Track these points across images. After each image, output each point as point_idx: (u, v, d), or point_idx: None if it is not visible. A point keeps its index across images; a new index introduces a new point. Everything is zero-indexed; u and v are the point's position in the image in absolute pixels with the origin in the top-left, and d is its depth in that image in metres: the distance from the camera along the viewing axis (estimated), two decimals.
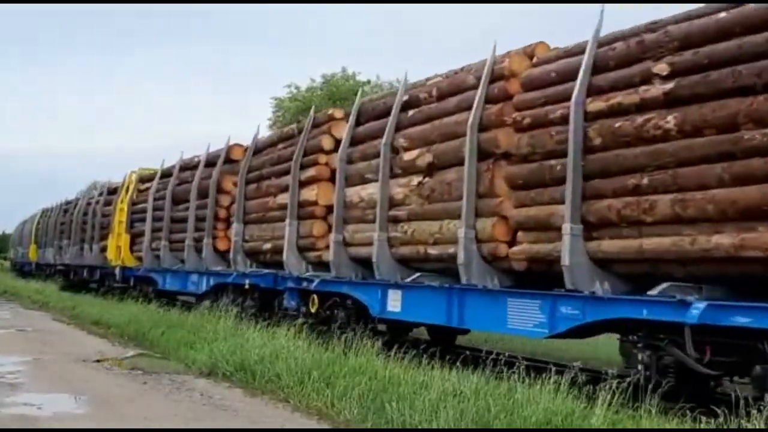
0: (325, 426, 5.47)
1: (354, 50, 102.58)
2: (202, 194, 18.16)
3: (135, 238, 22.44)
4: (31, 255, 39.78)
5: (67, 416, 7.48)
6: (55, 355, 11.71)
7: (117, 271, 23.07)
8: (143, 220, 21.66)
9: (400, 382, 7.80)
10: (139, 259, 21.91)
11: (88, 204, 28.45)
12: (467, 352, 9.80)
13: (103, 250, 25.00)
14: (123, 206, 23.02)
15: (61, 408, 7.80)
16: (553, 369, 7.65)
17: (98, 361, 11.20)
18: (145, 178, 22.97)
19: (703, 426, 6.09)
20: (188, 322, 13.99)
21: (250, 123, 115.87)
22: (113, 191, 25.83)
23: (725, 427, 5.82)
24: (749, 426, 5.41)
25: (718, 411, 5.99)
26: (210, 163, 18.49)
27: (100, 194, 27.79)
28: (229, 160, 17.73)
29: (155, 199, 21.12)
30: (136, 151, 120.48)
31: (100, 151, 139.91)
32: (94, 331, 15.55)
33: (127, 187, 23.37)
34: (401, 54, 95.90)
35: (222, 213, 17.48)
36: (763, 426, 5.38)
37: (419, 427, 6.40)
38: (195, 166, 19.38)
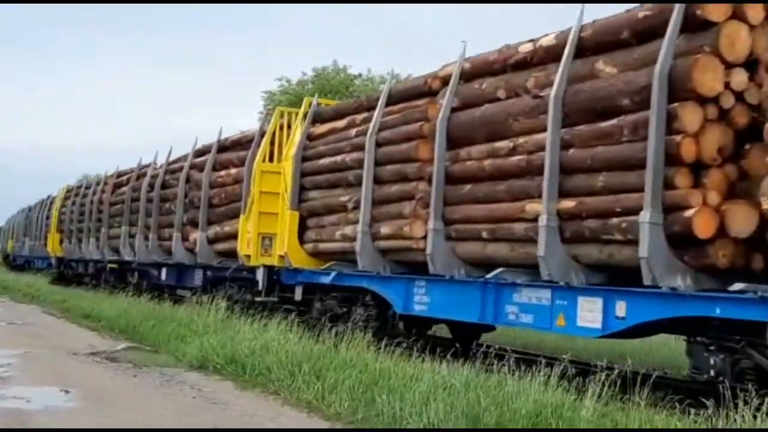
0: (324, 426, 5.29)
1: (345, 44, 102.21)
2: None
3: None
4: (51, 248, 40.83)
5: (57, 410, 7.45)
6: (45, 349, 11.66)
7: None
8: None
9: (390, 375, 7.79)
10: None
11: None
12: (457, 345, 9.78)
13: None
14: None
15: (51, 402, 7.77)
16: (543, 362, 7.66)
17: (89, 354, 11.17)
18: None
19: (691, 419, 6.09)
20: (179, 315, 13.96)
21: (240, 118, 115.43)
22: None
23: (712, 420, 5.81)
24: (737, 418, 5.42)
25: (707, 403, 6.00)
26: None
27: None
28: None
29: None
30: (120, 146, 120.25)
31: (88, 146, 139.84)
32: (86, 324, 15.52)
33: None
34: (391, 48, 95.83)
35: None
36: (750, 419, 5.38)
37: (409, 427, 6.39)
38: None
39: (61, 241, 29.72)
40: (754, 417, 5.32)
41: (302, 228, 13.11)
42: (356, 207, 11.60)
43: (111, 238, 23.49)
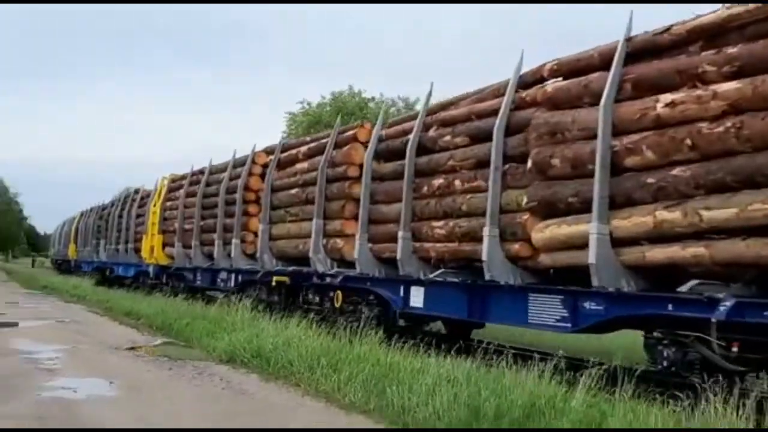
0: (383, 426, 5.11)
1: (360, 71, 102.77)
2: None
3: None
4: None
5: (100, 398, 7.52)
6: (90, 344, 11.74)
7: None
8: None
9: (399, 369, 7.82)
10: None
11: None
12: (461, 342, 9.79)
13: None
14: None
15: (94, 391, 7.83)
16: (537, 357, 7.67)
17: (129, 349, 11.24)
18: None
19: (668, 409, 6.07)
20: (210, 314, 14.02)
21: (263, 135, 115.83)
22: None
23: (687, 413, 5.79)
24: (711, 411, 5.41)
25: (682, 396, 5.99)
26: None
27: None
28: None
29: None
30: (160, 161, 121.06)
31: (128, 160, 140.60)
32: (126, 321, 15.59)
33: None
34: (401, 74, 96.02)
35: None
36: (721, 410, 5.37)
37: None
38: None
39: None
40: (724, 408, 5.31)
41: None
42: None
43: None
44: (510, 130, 9.12)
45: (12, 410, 6.74)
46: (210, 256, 17.91)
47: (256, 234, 15.41)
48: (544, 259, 8.46)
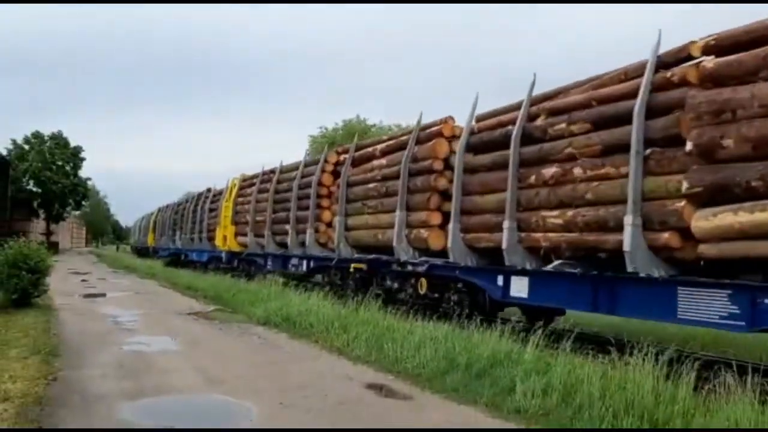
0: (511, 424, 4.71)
1: (365, 102, 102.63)
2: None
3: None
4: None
5: (167, 350, 7.50)
6: (159, 310, 11.71)
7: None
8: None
9: (394, 330, 7.79)
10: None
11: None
12: (441, 310, 9.73)
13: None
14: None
15: (162, 346, 7.82)
16: (499, 321, 7.64)
17: (189, 314, 11.20)
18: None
19: (591, 357, 5.99)
20: (251, 288, 13.99)
21: (288, 153, 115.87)
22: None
23: (612, 363, 5.66)
24: (632, 362, 5.32)
25: (611, 350, 5.93)
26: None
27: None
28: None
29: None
30: (207, 171, 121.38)
31: (185, 171, 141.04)
32: (187, 293, 15.55)
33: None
34: (397, 103, 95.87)
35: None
36: (640, 363, 5.26)
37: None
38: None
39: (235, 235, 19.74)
40: (643, 360, 5.25)
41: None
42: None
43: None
44: (651, 113, 6.68)
45: (103, 359, 6.80)
46: (281, 244, 16.08)
47: (328, 224, 13.83)
48: (707, 249, 5.92)
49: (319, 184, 14.33)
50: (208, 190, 25.08)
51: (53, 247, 37.55)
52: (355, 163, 13.22)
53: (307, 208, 14.58)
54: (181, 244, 27.37)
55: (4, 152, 37.41)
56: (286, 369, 6.53)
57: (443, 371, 6.12)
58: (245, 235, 18.21)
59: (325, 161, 14.51)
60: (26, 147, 45.00)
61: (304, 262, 14.75)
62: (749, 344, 7.85)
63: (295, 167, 16.26)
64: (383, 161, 12.31)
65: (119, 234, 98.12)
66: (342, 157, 13.94)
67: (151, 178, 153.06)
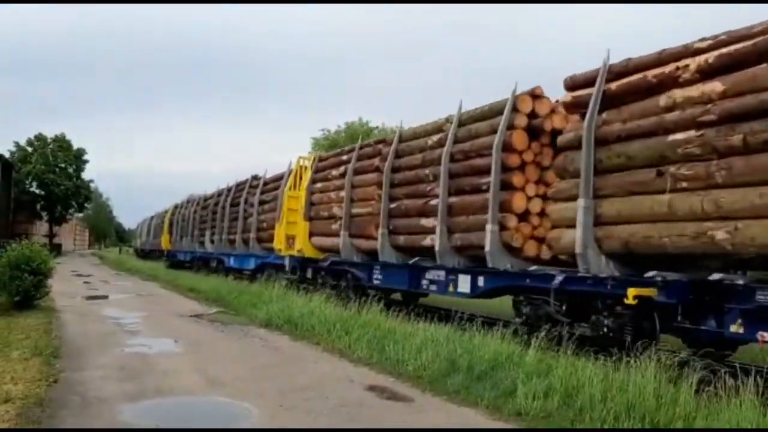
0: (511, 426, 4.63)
1: (367, 105, 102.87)
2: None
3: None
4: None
5: (168, 352, 7.50)
6: (161, 312, 11.71)
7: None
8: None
9: (395, 332, 7.78)
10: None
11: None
12: (441, 311, 9.75)
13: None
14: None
15: (164, 347, 7.82)
16: (501, 323, 7.63)
17: (191, 316, 11.21)
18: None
19: (595, 358, 5.97)
20: (253, 290, 13.97)
21: (293, 154, 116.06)
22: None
23: (616, 362, 5.67)
24: (635, 363, 5.32)
25: (613, 351, 5.93)
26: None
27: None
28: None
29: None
30: (209, 171, 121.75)
31: (184, 171, 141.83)
32: (189, 295, 15.55)
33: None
34: (398, 106, 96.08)
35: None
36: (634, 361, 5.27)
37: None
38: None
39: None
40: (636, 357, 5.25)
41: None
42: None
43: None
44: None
45: (104, 361, 6.80)
46: (402, 249, 10.57)
47: (521, 217, 8.42)
48: None
49: (507, 148, 8.47)
50: (255, 177, 19.84)
51: (56, 249, 37.67)
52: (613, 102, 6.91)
53: (467, 191, 9.10)
54: (214, 247, 21.91)
55: (7, 155, 37.53)
56: (288, 371, 6.53)
57: (444, 373, 6.11)
58: (330, 234, 12.78)
59: (515, 110, 8.55)
60: (29, 149, 45.16)
61: (468, 279, 8.96)
62: (752, 348, 7.81)
63: (432, 130, 10.26)
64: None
65: (122, 236, 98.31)
66: (544, 101, 8.61)
67: (152, 179, 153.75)
